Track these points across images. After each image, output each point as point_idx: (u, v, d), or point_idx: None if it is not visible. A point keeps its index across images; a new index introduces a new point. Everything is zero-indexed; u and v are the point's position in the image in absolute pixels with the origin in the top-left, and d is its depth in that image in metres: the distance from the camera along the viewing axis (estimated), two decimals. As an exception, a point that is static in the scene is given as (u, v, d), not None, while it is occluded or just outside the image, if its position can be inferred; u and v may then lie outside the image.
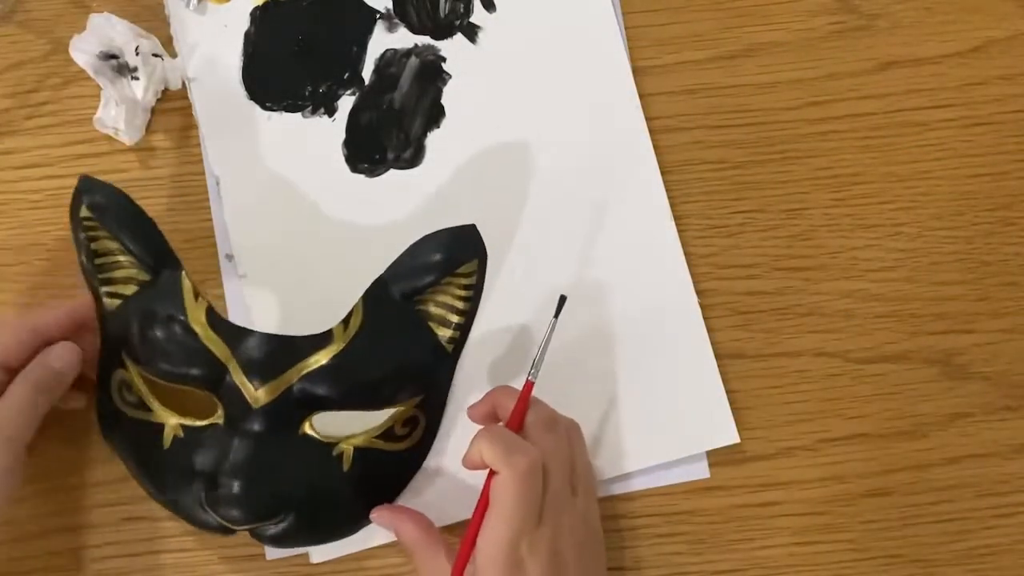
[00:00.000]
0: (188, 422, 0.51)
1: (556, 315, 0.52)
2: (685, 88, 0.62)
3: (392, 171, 0.61)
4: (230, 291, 0.58)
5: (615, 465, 0.56)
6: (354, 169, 0.60)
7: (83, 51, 0.58)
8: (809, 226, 0.61)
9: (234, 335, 0.50)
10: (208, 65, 0.62)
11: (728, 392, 0.58)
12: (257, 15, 0.62)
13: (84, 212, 0.51)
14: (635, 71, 0.62)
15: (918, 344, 0.60)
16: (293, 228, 0.59)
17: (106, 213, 0.50)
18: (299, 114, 0.61)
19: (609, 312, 0.58)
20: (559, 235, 0.60)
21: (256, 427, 0.49)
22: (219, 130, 0.61)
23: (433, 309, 0.53)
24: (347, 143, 0.61)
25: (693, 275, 0.59)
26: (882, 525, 0.57)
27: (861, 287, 0.60)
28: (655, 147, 0.61)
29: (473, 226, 0.52)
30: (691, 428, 0.57)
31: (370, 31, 0.63)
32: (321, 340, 0.50)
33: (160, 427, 0.51)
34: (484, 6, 0.63)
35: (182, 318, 0.49)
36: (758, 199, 0.61)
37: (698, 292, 0.59)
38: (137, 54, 0.59)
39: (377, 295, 0.51)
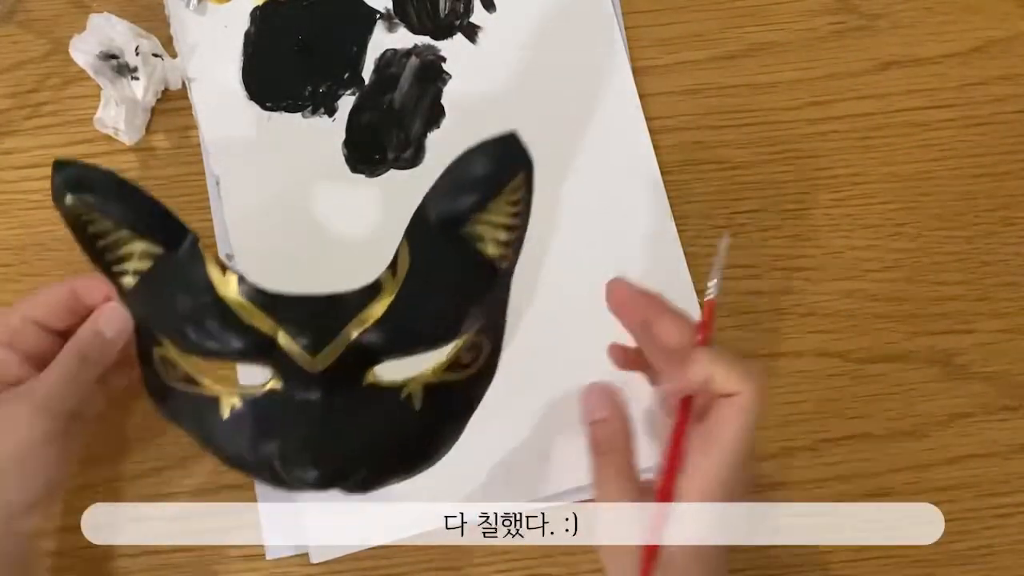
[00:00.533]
0: (243, 392, 0.48)
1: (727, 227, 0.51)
2: (685, 88, 0.62)
3: (392, 171, 0.61)
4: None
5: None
6: (354, 169, 0.60)
7: (83, 51, 0.58)
8: (809, 226, 0.61)
9: (275, 304, 0.46)
10: (208, 65, 0.61)
11: (728, 392, 0.58)
12: (257, 15, 0.62)
13: (70, 201, 0.46)
14: (635, 71, 0.62)
15: (918, 344, 0.60)
16: (293, 228, 0.59)
17: (94, 196, 0.47)
18: (299, 114, 0.61)
19: (608, 312, 0.58)
20: (559, 235, 0.60)
21: (317, 392, 0.46)
22: (219, 130, 0.60)
23: (481, 229, 0.49)
24: (347, 143, 0.61)
25: (693, 275, 0.59)
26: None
27: (861, 287, 0.60)
28: (655, 147, 0.61)
29: (514, 133, 0.48)
30: (691, 428, 0.57)
31: (370, 31, 0.63)
32: (370, 292, 0.47)
33: (215, 399, 0.48)
34: (484, 6, 0.63)
35: (213, 298, 0.46)
36: (758, 199, 0.61)
37: (698, 292, 0.59)
38: (137, 54, 0.59)
39: (419, 229, 0.48)
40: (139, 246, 0.48)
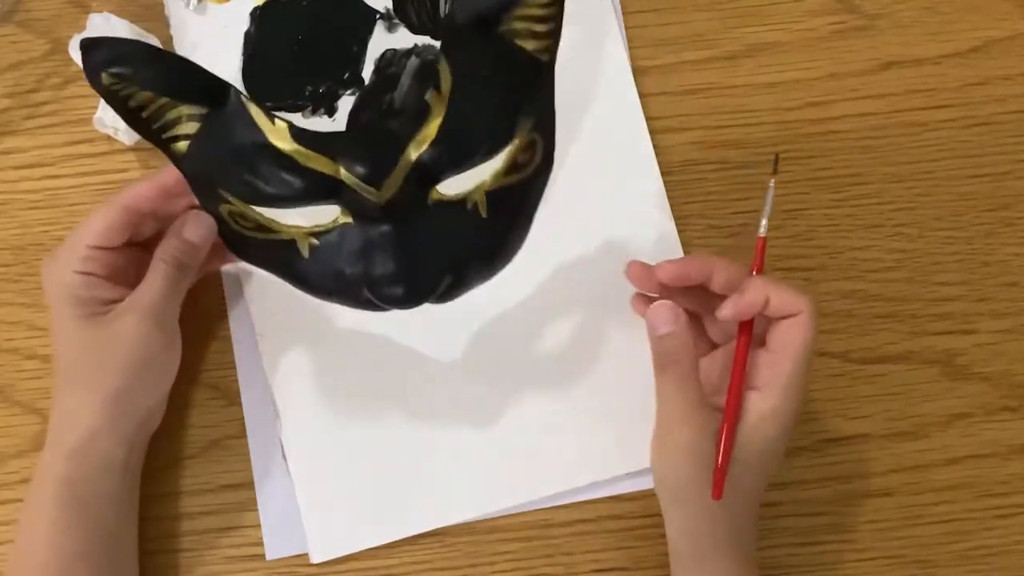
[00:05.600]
0: (318, 229, 0.50)
1: (775, 172, 0.52)
2: (685, 88, 0.62)
3: (392, 171, 0.60)
4: (230, 289, 0.58)
5: (616, 465, 0.57)
6: (354, 169, 0.60)
7: (83, 51, 0.58)
8: (809, 226, 0.61)
9: (330, 144, 0.48)
10: (208, 65, 0.61)
11: (728, 392, 0.58)
12: (257, 15, 0.62)
13: (106, 79, 0.48)
14: (635, 71, 0.62)
15: (918, 344, 0.60)
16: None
17: (129, 68, 0.48)
18: (299, 114, 0.61)
19: (609, 312, 0.58)
20: (558, 236, 0.59)
21: (387, 219, 0.49)
22: (219, 130, 0.60)
23: (517, 25, 0.50)
24: (347, 143, 0.61)
25: (693, 275, 0.59)
26: (883, 526, 0.57)
27: (861, 287, 0.60)
28: (655, 147, 0.61)
29: None
30: (691, 428, 0.57)
31: (370, 31, 0.63)
32: (420, 116, 0.48)
33: (292, 242, 0.50)
34: (484, 6, 0.63)
35: (270, 149, 0.48)
36: (758, 199, 0.61)
37: (698, 292, 0.59)
38: (137, 54, 0.59)
39: (455, 41, 0.50)
40: (184, 110, 0.49)
